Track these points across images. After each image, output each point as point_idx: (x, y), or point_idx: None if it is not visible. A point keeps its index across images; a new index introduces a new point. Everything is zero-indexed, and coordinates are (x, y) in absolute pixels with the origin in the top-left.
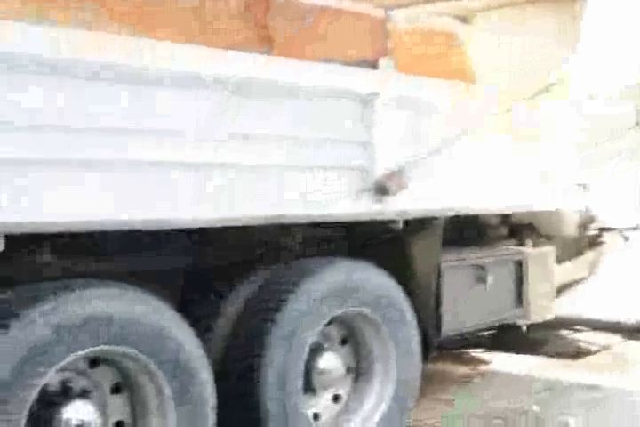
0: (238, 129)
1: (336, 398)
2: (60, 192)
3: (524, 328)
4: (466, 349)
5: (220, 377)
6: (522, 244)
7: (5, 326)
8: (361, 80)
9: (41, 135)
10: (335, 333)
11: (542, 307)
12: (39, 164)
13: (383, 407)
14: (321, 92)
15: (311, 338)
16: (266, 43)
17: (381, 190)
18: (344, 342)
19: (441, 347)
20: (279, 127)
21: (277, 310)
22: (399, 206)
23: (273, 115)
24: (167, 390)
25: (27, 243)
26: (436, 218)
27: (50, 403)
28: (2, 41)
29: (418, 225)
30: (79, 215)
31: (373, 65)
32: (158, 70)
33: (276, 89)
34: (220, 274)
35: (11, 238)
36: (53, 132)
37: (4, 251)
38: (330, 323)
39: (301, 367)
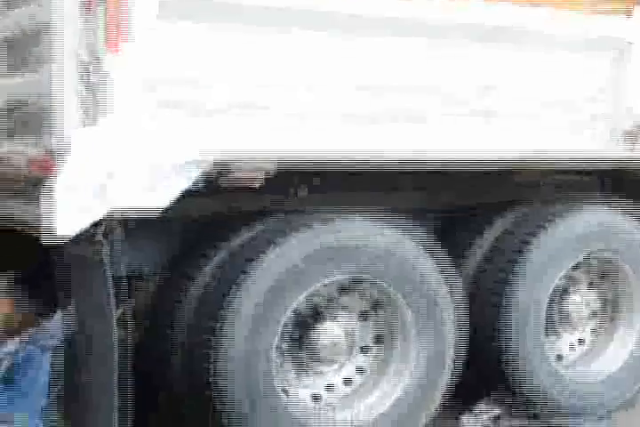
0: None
1: (580, 342)
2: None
3: None
4: None
5: (464, 314)
6: None
7: (263, 253)
8: (615, 28)
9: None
10: (582, 277)
11: None
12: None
13: (626, 353)
14: (573, 40)
15: (557, 280)
16: None
17: (632, 138)
18: (590, 286)
19: None
20: (533, 75)
21: (524, 250)
22: None
23: (530, 64)
24: (410, 321)
25: (285, 178)
26: None
27: (302, 324)
28: None
29: None
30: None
31: (629, 14)
32: None
33: (531, 38)
34: (474, 214)
35: (271, 174)
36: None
37: (265, 185)
38: (577, 267)
39: (544, 308)
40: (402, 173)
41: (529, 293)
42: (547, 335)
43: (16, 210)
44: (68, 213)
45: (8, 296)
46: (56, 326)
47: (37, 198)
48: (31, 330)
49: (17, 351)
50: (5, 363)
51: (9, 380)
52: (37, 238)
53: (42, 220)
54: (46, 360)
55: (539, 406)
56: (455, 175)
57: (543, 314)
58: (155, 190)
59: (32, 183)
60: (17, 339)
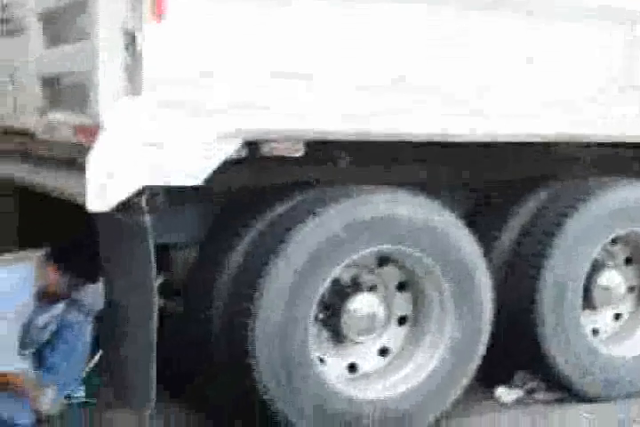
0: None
1: (617, 317)
2: (360, 103)
3: None
4: None
5: (500, 285)
6: None
7: (302, 222)
8: None
9: None
10: (620, 251)
11: None
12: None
13: None
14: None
15: (593, 254)
16: None
17: None
18: (628, 261)
19: None
20: (555, 48)
21: (562, 223)
22: None
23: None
24: (447, 292)
25: (326, 149)
26: None
27: (340, 294)
28: None
29: None
30: (375, 125)
31: None
32: None
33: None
34: (511, 188)
35: (312, 145)
36: None
37: (305, 156)
38: (615, 241)
39: (582, 282)
40: (441, 146)
41: (567, 266)
42: (584, 309)
43: (63, 178)
44: (111, 180)
45: (53, 263)
46: (98, 293)
47: (84, 166)
48: (74, 297)
49: (60, 317)
50: (51, 327)
51: (52, 345)
52: (82, 206)
53: (87, 187)
54: (88, 327)
55: (573, 379)
56: (494, 148)
57: (580, 288)
58: (198, 159)
59: (78, 151)
60: (60, 305)
